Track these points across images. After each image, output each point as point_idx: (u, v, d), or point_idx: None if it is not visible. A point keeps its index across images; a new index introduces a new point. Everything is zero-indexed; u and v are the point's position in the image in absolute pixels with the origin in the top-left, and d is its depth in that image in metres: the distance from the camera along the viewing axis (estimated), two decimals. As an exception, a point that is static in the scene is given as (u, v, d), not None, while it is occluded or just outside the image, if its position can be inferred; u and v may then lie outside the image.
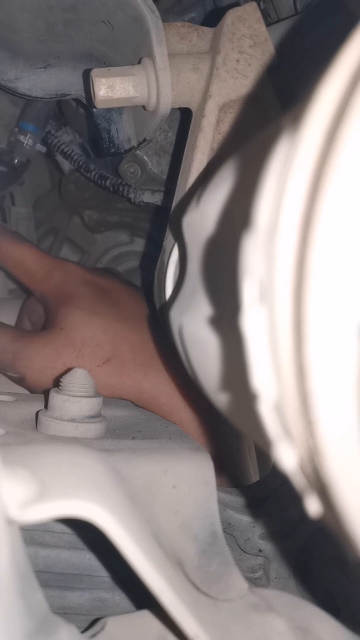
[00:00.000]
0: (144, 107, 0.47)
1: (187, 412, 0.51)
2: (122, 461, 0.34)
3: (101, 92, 0.45)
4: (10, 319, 0.58)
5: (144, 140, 0.50)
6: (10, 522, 0.25)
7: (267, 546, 0.44)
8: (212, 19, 0.52)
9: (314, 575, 0.44)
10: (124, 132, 0.54)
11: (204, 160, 0.45)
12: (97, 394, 0.41)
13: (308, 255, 0.19)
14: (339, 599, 0.42)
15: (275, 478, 0.45)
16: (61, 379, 0.41)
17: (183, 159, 0.47)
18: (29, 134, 0.65)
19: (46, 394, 0.42)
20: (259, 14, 0.46)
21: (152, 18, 0.44)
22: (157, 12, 0.45)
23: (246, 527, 0.45)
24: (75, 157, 0.67)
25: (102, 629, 0.29)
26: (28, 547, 0.33)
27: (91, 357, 0.49)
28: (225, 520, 0.44)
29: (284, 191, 0.21)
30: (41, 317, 0.55)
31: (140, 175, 0.62)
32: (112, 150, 0.54)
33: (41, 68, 0.55)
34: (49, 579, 0.34)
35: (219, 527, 0.34)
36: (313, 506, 0.22)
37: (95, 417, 0.40)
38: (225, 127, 0.45)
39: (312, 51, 0.48)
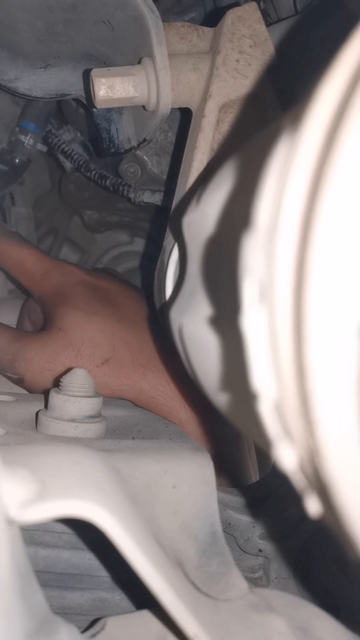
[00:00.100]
0: (144, 107, 0.47)
1: (187, 412, 0.51)
2: (122, 461, 0.34)
3: (101, 92, 0.45)
4: (10, 319, 0.58)
5: (144, 140, 0.50)
6: (10, 522, 0.25)
7: (267, 546, 0.44)
8: (212, 19, 0.52)
9: (314, 575, 0.44)
10: (124, 132, 0.54)
11: (204, 160, 0.45)
12: (97, 394, 0.41)
13: (308, 255, 0.19)
14: (339, 599, 0.42)
15: (275, 478, 0.45)
16: (61, 379, 0.41)
17: (183, 159, 0.47)
18: (29, 134, 0.65)
19: (46, 394, 0.42)
20: (259, 14, 0.46)
21: (152, 18, 0.44)
22: (157, 12, 0.45)
23: (246, 527, 0.45)
24: (76, 157, 0.67)
25: (102, 629, 0.29)
26: (28, 547, 0.33)
27: (90, 357, 0.49)
28: (225, 520, 0.44)
29: (284, 191, 0.21)
30: (41, 317, 0.55)
31: (140, 175, 0.62)
32: (112, 150, 0.54)
33: (41, 68, 0.55)
34: (49, 579, 0.34)
35: (219, 527, 0.34)
36: (313, 506, 0.22)
37: (95, 417, 0.40)
38: (225, 127, 0.45)
39: (312, 51, 0.48)
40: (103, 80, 0.45)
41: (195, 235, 0.36)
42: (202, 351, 0.34)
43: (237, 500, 0.46)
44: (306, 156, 0.20)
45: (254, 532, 0.45)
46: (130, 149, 0.54)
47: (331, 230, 0.19)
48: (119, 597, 0.35)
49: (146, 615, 0.30)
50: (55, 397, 0.40)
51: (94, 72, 0.45)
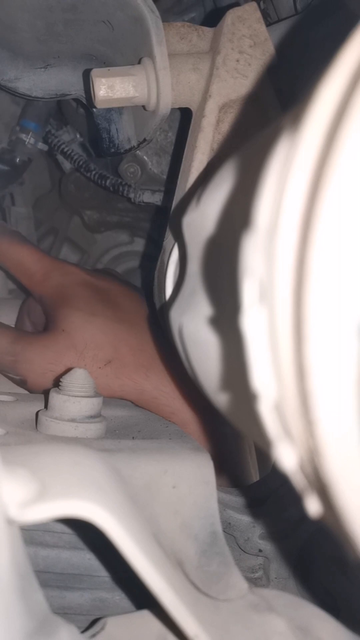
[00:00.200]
0: (144, 107, 0.47)
1: (188, 412, 0.51)
2: (122, 461, 0.34)
3: (101, 92, 0.45)
4: (10, 319, 0.58)
5: (144, 140, 0.50)
6: (10, 522, 0.25)
7: (267, 546, 0.44)
8: (212, 19, 0.52)
9: (314, 575, 0.44)
10: (124, 132, 0.54)
11: (204, 160, 0.45)
12: (97, 394, 0.41)
13: (308, 255, 0.19)
14: (339, 599, 0.42)
15: (275, 478, 0.45)
16: (61, 379, 0.41)
17: (183, 159, 0.47)
18: (30, 132, 0.65)
19: (46, 394, 0.42)
20: (259, 14, 0.46)
21: (152, 18, 0.44)
22: (157, 12, 0.45)
23: (246, 527, 0.45)
24: (75, 157, 0.67)
25: (102, 629, 0.29)
26: (28, 547, 0.33)
27: (93, 359, 0.49)
28: (225, 520, 0.44)
29: (284, 191, 0.21)
30: (41, 316, 0.55)
31: (140, 175, 0.62)
32: (112, 150, 0.54)
33: (41, 68, 0.55)
34: (49, 579, 0.34)
35: (219, 527, 0.34)
36: (313, 506, 0.22)
37: (95, 417, 0.40)
38: (225, 127, 0.45)
39: (312, 51, 0.48)
40: (103, 80, 0.45)
41: (195, 235, 0.36)
42: (202, 351, 0.34)
43: (237, 500, 0.46)
44: (306, 156, 0.20)
45: (254, 532, 0.45)
46: (130, 149, 0.54)
47: (331, 230, 0.19)
48: (119, 597, 0.35)
49: (146, 615, 0.30)
50: (55, 397, 0.40)
51: (94, 72, 0.45)
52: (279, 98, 0.46)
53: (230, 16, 0.45)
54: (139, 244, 0.79)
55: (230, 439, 0.53)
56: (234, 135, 0.45)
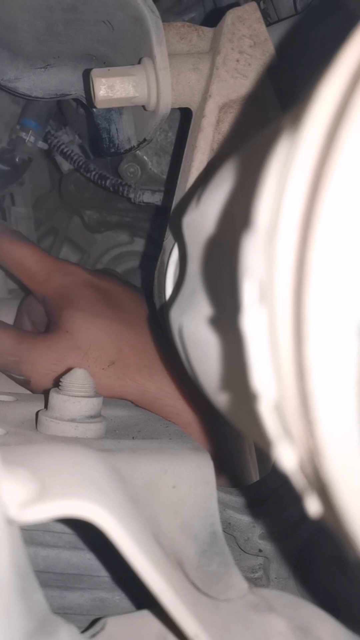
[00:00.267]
0: (144, 107, 0.47)
1: (189, 413, 0.51)
2: (122, 461, 0.34)
3: (101, 92, 0.45)
4: (10, 319, 0.58)
5: (144, 140, 0.50)
6: (10, 522, 0.25)
7: (267, 546, 0.44)
8: (212, 19, 0.52)
9: (314, 575, 0.44)
10: (124, 132, 0.54)
11: (204, 160, 0.45)
12: (97, 394, 0.41)
13: (308, 255, 0.19)
14: (339, 599, 0.42)
15: (275, 478, 0.45)
16: (61, 379, 0.41)
17: (183, 159, 0.47)
18: (30, 131, 0.65)
19: (46, 394, 0.42)
20: (259, 14, 0.46)
21: (152, 18, 0.44)
22: (157, 12, 0.45)
23: (246, 527, 0.45)
24: (75, 158, 0.67)
25: (102, 629, 0.29)
26: (28, 547, 0.33)
27: (96, 360, 0.49)
28: (225, 520, 0.44)
29: (284, 191, 0.21)
30: (41, 315, 0.55)
31: (140, 175, 0.62)
32: (112, 150, 0.54)
33: (41, 68, 0.55)
34: (49, 579, 0.34)
35: (219, 527, 0.34)
36: (313, 506, 0.22)
37: (95, 417, 0.40)
38: (225, 127, 0.45)
39: (312, 51, 0.48)
40: (103, 80, 0.45)
41: (195, 235, 0.36)
42: (202, 351, 0.34)
43: (237, 500, 0.46)
44: (306, 156, 0.20)
45: (254, 532, 0.45)
46: (130, 149, 0.54)
47: (331, 230, 0.19)
48: (119, 597, 0.35)
49: (146, 615, 0.30)
50: (55, 397, 0.40)
51: (94, 72, 0.45)
52: (279, 98, 0.46)
53: (230, 16, 0.45)
54: (139, 244, 0.78)
55: (231, 439, 0.53)
56: (234, 135, 0.45)
